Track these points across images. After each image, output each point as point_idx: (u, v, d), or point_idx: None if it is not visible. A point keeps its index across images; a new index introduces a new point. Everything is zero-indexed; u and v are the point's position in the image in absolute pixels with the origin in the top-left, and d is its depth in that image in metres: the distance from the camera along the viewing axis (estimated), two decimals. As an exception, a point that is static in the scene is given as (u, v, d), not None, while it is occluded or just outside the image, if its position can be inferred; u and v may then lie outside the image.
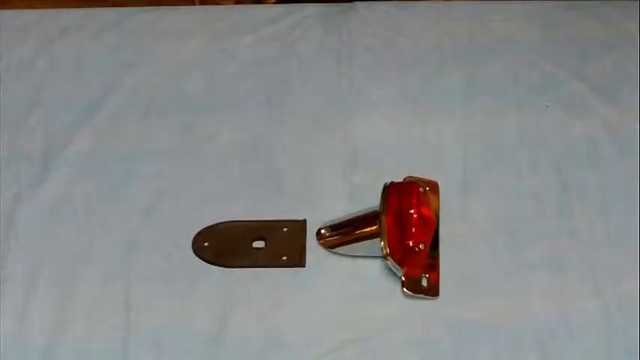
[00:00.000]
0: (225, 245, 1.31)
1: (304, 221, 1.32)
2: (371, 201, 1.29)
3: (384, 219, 1.26)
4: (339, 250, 1.30)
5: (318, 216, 1.32)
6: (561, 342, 1.23)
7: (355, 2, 1.50)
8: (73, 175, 1.37)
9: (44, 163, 1.38)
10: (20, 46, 1.47)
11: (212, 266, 1.30)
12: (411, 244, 1.25)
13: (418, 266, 1.27)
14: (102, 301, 1.28)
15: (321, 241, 1.31)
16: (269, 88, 1.42)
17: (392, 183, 1.29)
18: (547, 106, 1.40)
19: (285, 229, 1.32)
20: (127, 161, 1.38)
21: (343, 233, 1.31)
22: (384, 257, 1.26)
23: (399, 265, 1.26)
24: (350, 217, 1.31)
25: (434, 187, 1.33)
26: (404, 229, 1.26)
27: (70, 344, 1.25)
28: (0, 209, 1.34)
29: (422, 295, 1.27)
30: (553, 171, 1.35)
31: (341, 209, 1.32)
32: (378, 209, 1.27)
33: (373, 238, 1.27)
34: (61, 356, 1.25)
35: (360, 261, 1.30)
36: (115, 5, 1.61)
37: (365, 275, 1.29)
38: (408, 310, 1.26)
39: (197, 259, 1.31)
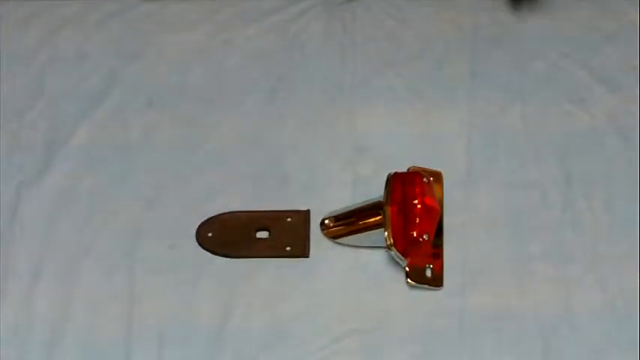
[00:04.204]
0: (229, 236, 1.31)
1: (308, 212, 1.32)
2: (375, 191, 1.29)
3: (387, 209, 1.26)
4: (342, 240, 1.30)
5: (322, 206, 1.32)
6: (565, 333, 1.23)
7: (359, -8, 1.50)
8: (76, 166, 1.37)
9: (47, 154, 1.37)
10: (22, 37, 1.47)
11: (216, 257, 1.30)
12: (415, 234, 1.25)
13: (422, 256, 1.27)
14: (105, 292, 1.28)
15: (325, 232, 1.31)
16: (273, 79, 1.42)
17: (396, 173, 1.29)
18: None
19: (288, 220, 1.32)
20: (131, 152, 1.37)
21: (347, 224, 1.31)
22: (388, 247, 1.26)
23: (403, 255, 1.26)
24: (354, 207, 1.31)
25: (438, 176, 1.33)
26: (408, 220, 1.26)
27: (74, 335, 1.25)
28: (3, 201, 1.34)
29: (426, 286, 1.27)
30: (557, 161, 1.35)
31: (345, 199, 1.32)
32: (382, 199, 1.27)
33: (377, 228, 1.27)
34: (65, 347, 1.25)
35: (363, 251, 1.30)
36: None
37: (369, 266, 1.29)
38: (412, 301, 1.26)
39: (201, 249, 1.31)
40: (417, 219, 1.26)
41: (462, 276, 1.27)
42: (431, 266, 1.28)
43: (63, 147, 1.38)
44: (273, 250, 1.31)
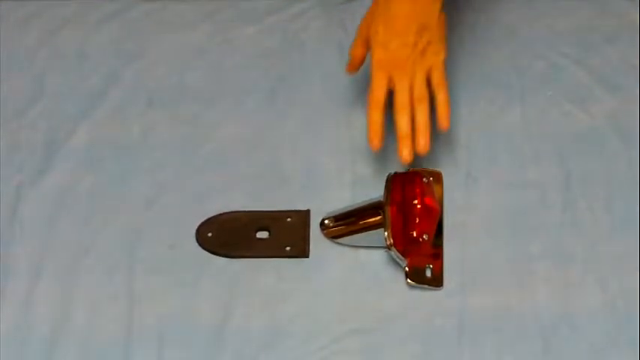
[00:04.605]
0: (229, 236, 1.31)
1: (308, 212, 1.32)
2: (375, 191, 1.29)
3: (387, 209, 1.26)
4: (342, 240, 1.30)
5: (322, 206, 1.32)
6: (565, 333, 1.23)
7: (358, -8, 1.49)
8: (76, 166, 1.36)
9: (47, 154, 1.37)
10: (22, 37, 1.47)
11: (215, 257, 1.30)
12: (414, 234, 1.25)
13: (422, 256, 1.27)
14: (105, 292, 1.28)
15: (325, 232, 1.31)
16: (272, 79, 1.42)
17: (395, 173, 1.29)
18: (549, 94, 1.39)
19: (288, 220, 1.32)
20: (130, 152, 1.37)
21: (347, 224, 1.30)
22: (388, 248, 1.26)
23: (402, 255, 1.26)
24: (354, 207, 1.31)
25: (438, 176, 1.33)
26: (408, 220, 1.26)
27: (73, 334, 1.25)
28: (3, 201, 1.34)
29: (426, 286, 1.27)
30: (557, 161, 1.34)
31: (345, 200, 1.32)
32: (381, 200, 1.27)
33: (377, 228, 1.27)
34: (64, 346, 1.25)
35: (363, 251, 1.29)
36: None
37: (368, 266, 1.28)
38: (412, 301, 1.26)
39: (200, 249, 1.30)
40: (417, 219, 1.26)
41: (462, 276, 1.27)
42: (430, 266, 1.28)
43: (63, 147, 1.38)
44: (272, 250, 1.30)
